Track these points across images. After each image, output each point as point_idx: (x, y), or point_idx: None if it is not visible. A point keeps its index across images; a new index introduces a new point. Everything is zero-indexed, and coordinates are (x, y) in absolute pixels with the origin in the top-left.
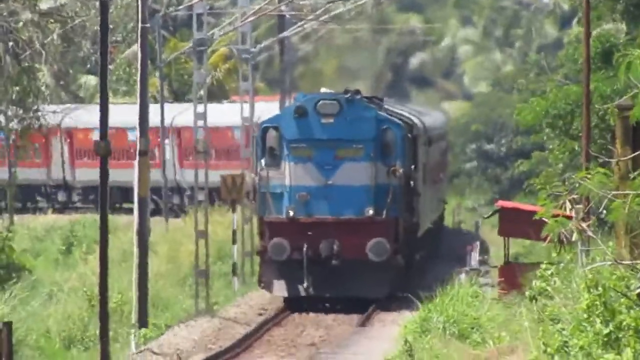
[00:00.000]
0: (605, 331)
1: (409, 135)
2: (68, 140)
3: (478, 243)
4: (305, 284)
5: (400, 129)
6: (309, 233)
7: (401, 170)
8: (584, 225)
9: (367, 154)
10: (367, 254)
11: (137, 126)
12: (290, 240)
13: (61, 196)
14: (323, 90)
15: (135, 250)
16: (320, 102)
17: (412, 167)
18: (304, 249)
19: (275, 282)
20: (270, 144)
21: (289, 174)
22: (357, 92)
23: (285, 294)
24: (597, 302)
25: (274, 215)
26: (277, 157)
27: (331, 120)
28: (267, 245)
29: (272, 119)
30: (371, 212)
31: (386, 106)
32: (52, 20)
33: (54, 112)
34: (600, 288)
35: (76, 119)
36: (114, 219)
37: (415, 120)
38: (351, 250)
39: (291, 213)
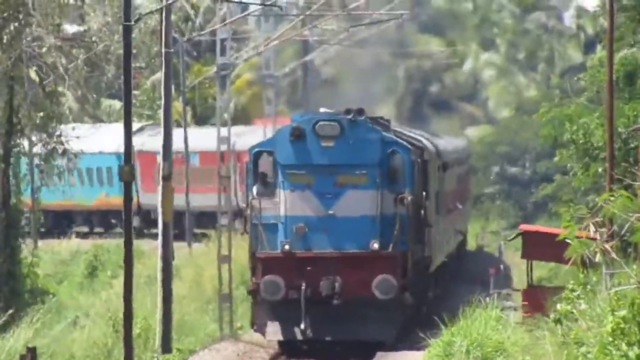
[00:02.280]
0: (634, 354)
1: (419, 159)
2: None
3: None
4: (302, 326)
5: (408, 153)
6: (307, 269)
7: (410, 199)
8: (608, 247)
9: (371, 181)
10: (373, 292)
11: (161, 150)
12: (285, 278)
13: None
14: (322, 110)
15: (159, 275)
16: (320, 123)
17: (423, 194)
18: (302, 287)
19: (269, 324)
20: (263, 169)
21: (285, 203)
22: (361, 111)
23: (280, 338)
24: (622, 325)
25: (267, 249)
26: (271, 184)
27: (331, 144)
28: (259, 283)
29: (265, 143)
30: (376, 245)
31: (394, 128)
32: (76, 45)
33: (77, 137)
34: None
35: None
36: (139, 244)
37: (427, 144)
38: (355, 288)
39: (287, 247)
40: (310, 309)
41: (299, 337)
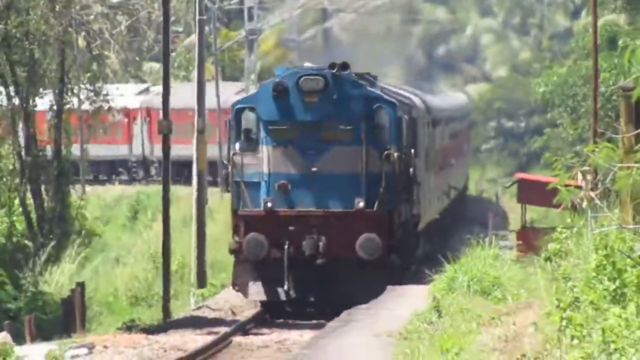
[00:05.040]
0: (612, 287)
1: (407, 116)
2: (148, 119)
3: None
4: (285, 287)
5: (394, 108)
6: (290, 228)
7: (396, 155)
8: (593, 194)
9: (356, 137)
10: (357, 252)
11: (196, 107)
12: (268, 237)
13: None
14: (307, 65)
15: (194, 217)
16: (303, 78)
17: (412, 151)
18: (285, 246)
19: (252, 285)
20: (246, 126)
21: (267, 160)
22: (345, 65)
23: (263, 298)
24: (605, 262)
25: (250, 207)
26: (254, 141)
27: (315, 99)
28: (242, 242)
29: (247, 99)
30: (362, 204)
31: (381, 84)
32: (120, 13)
33: (121, 95)
34: (607, 249)
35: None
36: (176, 190)
37: (416, 100)
38: (339, 248)
39: (269, 205)
40: (293, 269)
41: (283, 297)
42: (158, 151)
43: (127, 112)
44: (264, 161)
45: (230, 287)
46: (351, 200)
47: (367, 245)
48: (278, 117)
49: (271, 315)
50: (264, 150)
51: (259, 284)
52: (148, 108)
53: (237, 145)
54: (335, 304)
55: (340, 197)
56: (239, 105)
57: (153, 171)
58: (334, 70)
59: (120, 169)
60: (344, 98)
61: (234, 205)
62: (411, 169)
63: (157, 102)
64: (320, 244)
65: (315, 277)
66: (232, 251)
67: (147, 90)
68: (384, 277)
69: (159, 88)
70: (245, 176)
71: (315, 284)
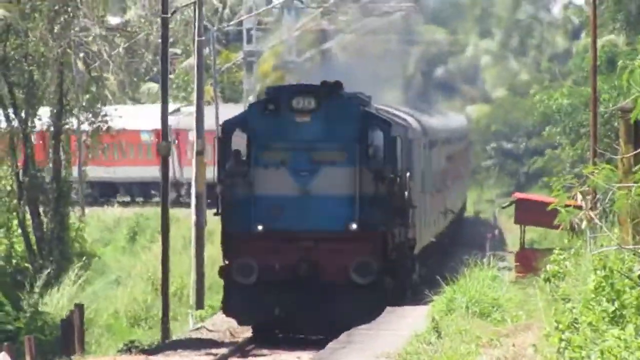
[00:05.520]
0: (611, 309)
1: (402, 137)
2: (177, 141)
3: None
4: (277, 312)
5: (389, 129)
6: (282, 251)
7: (390, 177)
8: (592, 214)
9: (350, 158)
10: (351, 276)
11: (195, 128)
12: (259, 260)
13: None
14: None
15: (193, 239)
16: (295, 97)
17: (407, 174)
18: (276, 270)
19: (242, 310)
20: (236, 146)
21: (258, 182)
22: (338, 84)
23: (254, 323)
24: (604, 283)
25: (240, 230)
26: (244, 162)
27: (307, 118)
28: (232, 265)
29: (237, 118)
30: (355, 226)
31: (376, 105)
32: (118, 35)
33: (120, 117)
34: (606, 270)
35: (185, 122)
36: (174, 212)
37: (412, 122)
38: (331, 272)
39: (260, 228)
40: (284, 294)
41: (273, 321)
42: (188, 173)
43: (158, 134)
44: (254, 182)
45: None
46: (344, 222)
47: (361, 268)
48: (269, 137)
49: (262, 339)
50: (255, 172)
51: (250, 309)
52: (177, 129)
53: (227, 166)
54: (328, 327)
55: (333, 219)
56: (230, 124)
57: (183, 192)
58: (327, 89)
59: (153, 191)
60: (336, 117)
61: (225, 227)
62: (406, 192)
63: (186, 123)
64: (313, 266)
65: (307, 301)
66: (222, 274)
67: (177, 110)
68: (378, 300)
69: (190, 109)
70: (235, 197)
71: (308, 307)
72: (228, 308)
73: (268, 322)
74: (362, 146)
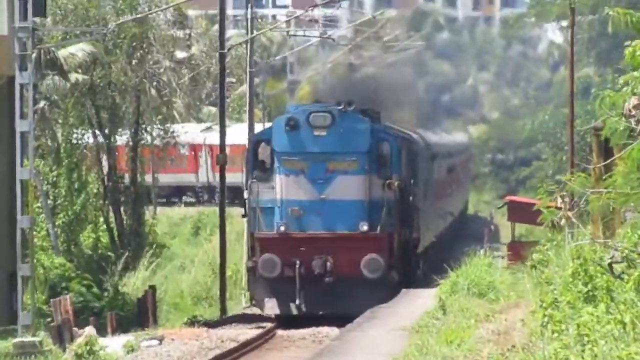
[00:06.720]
0: (585, 290)
1: (408, 150)
2: (211, 152)
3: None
4: (297, 302)
5: (396, 141)
6: (301, 249)
7: (397, 184)
8: (570, 214)
9: (361, 167)
10: (361, 271)
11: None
12: (281, 257)
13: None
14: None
15: (246, 232)
16: (313, 114)
17: (412, 181)
18: (296, 265)
19: (267, 301)
20: (262, 157)
21: (280, 188)
22: (350, 103)
23: (277, 312)
24: (579, 270)
25: (265, 230)
26: (268, 170)
27: (324, 133)
28: (257, 261)
29: (263, 132)
30: (365, 227)
31: (385, 123)
32: (184, 67)
33: (186, 132)
34: (581, 259)
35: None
36: (230, 210)
37: (416, 137)
38: (345, 267)
39: (282, 228)
40: (304, 286)
41: (294, 312)
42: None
43: (194, 147)
44: (277, 189)
45: None
46: (356, 224)
47: (370, 264)
48: (290, 148)
49: (284, 327)
50: (278, 179)
51: (274, 299)
52: (211, 144)
53: (254, 175)
54: (341, 317)
55: (346, 221)
56: (257, 138)
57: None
58: (341, 107)
59: (188, 193)
60: (349, 132)
61: (251, 228)
62: (411, 197)
63: (216, 138)
64: (328, 263)
65: (323, 294)
66: (249, 269)
67: (209, 128)
68: (386, 293)
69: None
70: (260, 202)
71: (324, 299)
72: (254, 298)
73: (289, 312)
74: (371, 157)
